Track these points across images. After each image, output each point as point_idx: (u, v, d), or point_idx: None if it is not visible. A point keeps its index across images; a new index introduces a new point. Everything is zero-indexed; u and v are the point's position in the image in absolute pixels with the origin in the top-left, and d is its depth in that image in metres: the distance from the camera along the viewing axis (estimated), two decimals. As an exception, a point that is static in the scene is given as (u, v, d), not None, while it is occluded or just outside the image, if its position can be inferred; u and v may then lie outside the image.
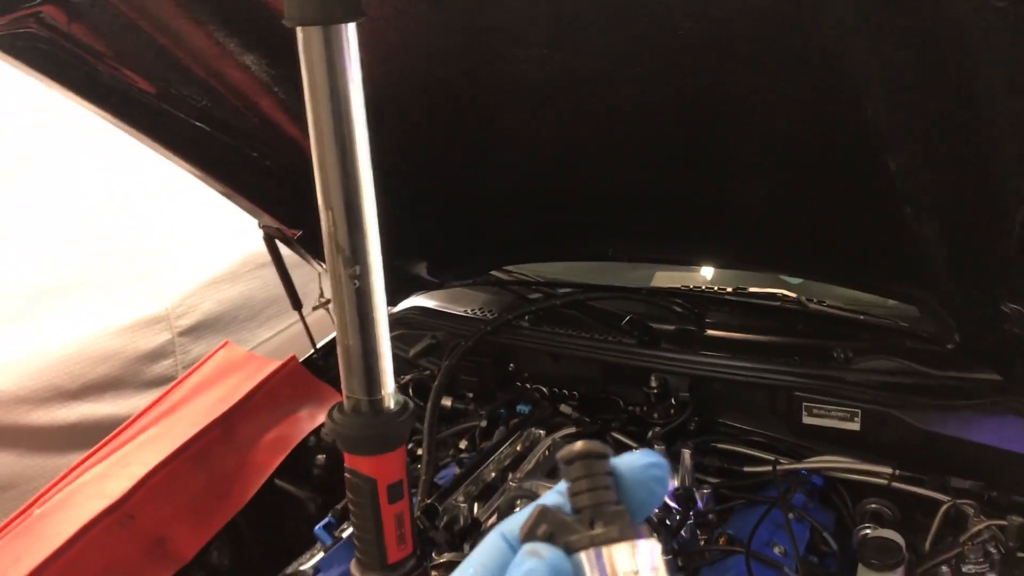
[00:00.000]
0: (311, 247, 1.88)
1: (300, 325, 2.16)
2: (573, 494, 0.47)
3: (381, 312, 0.84)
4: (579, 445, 0.47)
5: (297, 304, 1.93)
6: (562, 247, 2.09)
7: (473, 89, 1.52)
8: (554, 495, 0.49)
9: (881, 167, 1.26)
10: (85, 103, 1.44)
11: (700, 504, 1.67)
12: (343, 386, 0.85)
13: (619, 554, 0.44)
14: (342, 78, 0.77)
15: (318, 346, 2.09)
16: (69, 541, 1.52)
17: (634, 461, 0.49)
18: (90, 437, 1.82)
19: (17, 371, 2.21)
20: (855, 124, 1.20)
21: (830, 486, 1.72)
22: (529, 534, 0.46)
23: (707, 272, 2.22)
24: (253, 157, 1.64)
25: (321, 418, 1.95)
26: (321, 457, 1.88)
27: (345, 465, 0.89)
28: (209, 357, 2.02)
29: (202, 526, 1.68)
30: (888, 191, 1.31)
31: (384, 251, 2.01)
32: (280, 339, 2.76)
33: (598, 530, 0.45)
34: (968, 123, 1.02)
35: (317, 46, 0.77)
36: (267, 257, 1.94)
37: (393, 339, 2.10)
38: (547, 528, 0.46)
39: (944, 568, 1.42)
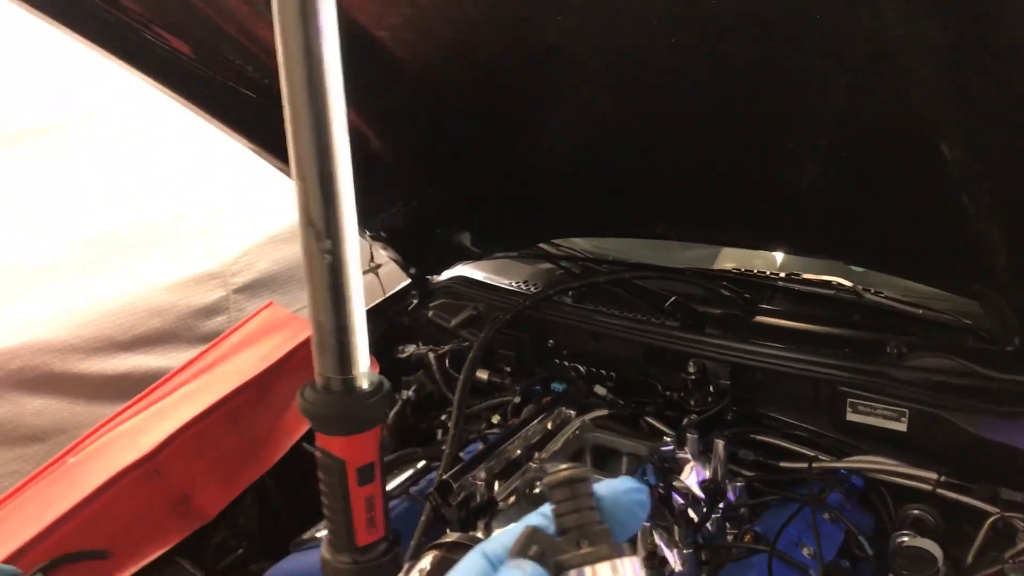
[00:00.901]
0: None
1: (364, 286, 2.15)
2: (559, 515, 0.51)
3: (355, 289, 0.80)
4: (564, 471, 0.51)
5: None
6: (610, 223, 2.03)
7: (512, 59, 1.47)
8: (538, 517, 0.52)
9: (936, 154, 1.17)
10: (122, 63, 1.44)
11: (732, 497, 1.61)
12: (315, 363, 0.82)
13: (603, 572, 0.48)
14: (316, 40, 0.73)
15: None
16: (96, 491, 1.56)
17: (616, 487, 0.52)
18: (140, 388, 1.86)
19: (71, 320, 2.27)
20: (905, 107, 1.11)
21: (872, 488, 1.63)
22: (520, 552, 0.49)
23: (774, 256, 2.13)
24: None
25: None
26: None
27: (316, 444, 0.87)
28: (252, 316, 2.03)
29: (229, 485, 1.69)
30: (945, 179, 1.22)
31: (426, 219, 2.00)
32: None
33: (586, 549, 0.49)
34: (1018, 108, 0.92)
35: (291, 4, 0.73)
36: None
37: (436, 308, 2.13)
38: (538, 548, 0.49)
39: (982, 585, 1.33)
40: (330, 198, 0.78)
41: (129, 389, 2.24)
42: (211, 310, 2.55)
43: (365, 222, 1.91)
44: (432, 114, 1.68)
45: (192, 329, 2.49)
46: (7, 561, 1.44)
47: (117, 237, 2.48)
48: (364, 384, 0.84)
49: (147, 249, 2.51)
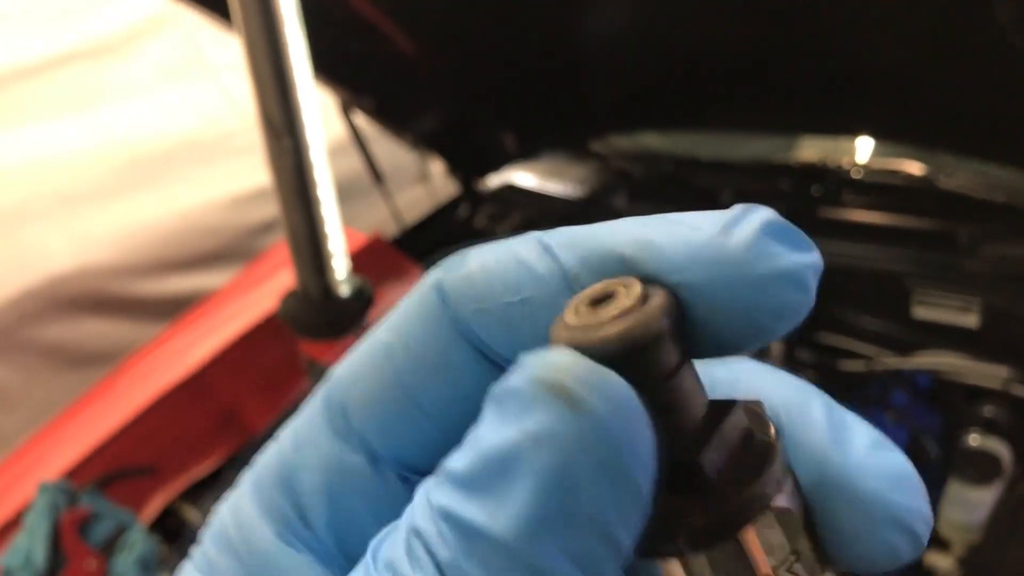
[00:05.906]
0: (387, 117, 1.81)
1: (413, 200, 2.13)
2: None
3: (325, 190, 0.75)
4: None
5: (377, 178, 1.87)
6: (669, 114, 1.90)
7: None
8: None
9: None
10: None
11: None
12: (294, 269, 0.78)
13: None
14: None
15: (409, 224, 2.05)
16: (144, 410, 1.58)
17: None
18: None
19: (123, 242, 2.28)
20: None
21: (942, 387, 1.53)
22: None
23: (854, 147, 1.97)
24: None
25: (400, 295, 1.91)
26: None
27: (300, 349, 0.83)
28: (298, 231, 2.01)
29: (275, 400, 1.69)
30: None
31: (465, 121, 1.92)
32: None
33: None
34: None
35: None
36: (380, 131, 1.91)
37: (486, 217, 2.06)
38: None
39: (1052, 488, 1.24)
40: (286, 93, 0.72)
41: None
42: (267, 227, 2.53)
43: (401, 129, 1.84)
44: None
45: (249, 247, 2.48)
46: (61, 477, 1.48)
47: (164, 153, 2.46)
48: (343, 289, 0.79)
49: (199, 165, 2.49)
